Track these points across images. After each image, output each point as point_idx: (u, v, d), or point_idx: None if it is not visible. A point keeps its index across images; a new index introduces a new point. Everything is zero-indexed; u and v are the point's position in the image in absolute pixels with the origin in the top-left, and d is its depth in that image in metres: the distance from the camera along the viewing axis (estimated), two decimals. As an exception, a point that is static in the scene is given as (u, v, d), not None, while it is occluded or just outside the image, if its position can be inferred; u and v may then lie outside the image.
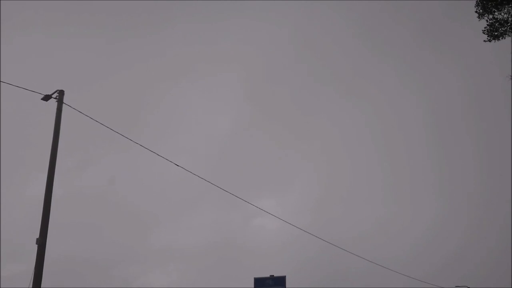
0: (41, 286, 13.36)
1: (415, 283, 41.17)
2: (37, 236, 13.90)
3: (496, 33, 20.36)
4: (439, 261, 52.93)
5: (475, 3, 20.60)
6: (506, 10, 19.98)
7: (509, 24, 19.98)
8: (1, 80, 15.04)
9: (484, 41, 20.80)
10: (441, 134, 76.32)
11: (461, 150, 72.67)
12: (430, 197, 67.17)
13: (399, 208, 66.05)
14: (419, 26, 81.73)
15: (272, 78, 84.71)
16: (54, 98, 15.71)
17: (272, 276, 25.46)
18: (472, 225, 58.45)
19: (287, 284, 24.87)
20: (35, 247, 13.77)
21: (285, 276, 25.13)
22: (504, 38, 20.27)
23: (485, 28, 20.62)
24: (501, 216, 55.56)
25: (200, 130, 78.40)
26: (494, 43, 20.56)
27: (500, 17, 20.15)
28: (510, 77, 20.29)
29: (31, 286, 13.27)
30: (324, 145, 79.67)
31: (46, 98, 15.58)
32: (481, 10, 20.48)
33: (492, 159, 68.44)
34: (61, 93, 15.85)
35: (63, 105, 15.73)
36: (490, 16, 20.31)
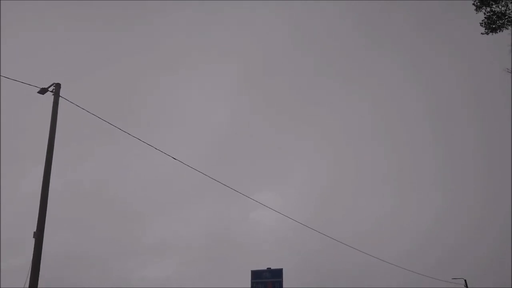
0: (39, 280, 13.36)
1: (415, 277, 41.46)
2: (34, 229, 13.86)
3: (493, 26, 20.31)
4: (441, 256, 53.20)
5: (472, -4, 20.54)
6: (503, 2, 19.92)
7: (506, 16, 19.93)
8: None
9: (482, 33, 20.76)
10: (442, 127, 76.49)
11: (461, 143, 72.84)
12: (432, 193, 67.34)
13: (400, 203, 66.24)
14: (418, 19, 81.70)
15: (270, 69, 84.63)
16: (51, 91, 15.60)
17: (269, 268, 25.54)
18: (472, 224, 58.65)
19: (284, 277, 24.95)
20: (33, 241, 13.74)
21: (282, 268, 25.21)
22: (502, 31, 20.24)
23: (482, 21, 20.57)
24: (501, 211, 55.81)
25: (197, 122, 78.36)
26: (493, 36, 20.53)
27: (498, 10, 20.10)
28: (507, 70, 20.29)
29: (28, 279, 13.26)
30: (325, 137, 79.79)
31: (43, 91, 15.47)
32: (478, 3, 20.43)
33: (492, 153, 68.64)
34: (57, 86, 15.75)
35: (60, 98, 15.65)
36: (488, 9, 20.26)
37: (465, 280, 46.30)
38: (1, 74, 15.07)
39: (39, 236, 13.71)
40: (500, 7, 20.05)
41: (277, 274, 25.09)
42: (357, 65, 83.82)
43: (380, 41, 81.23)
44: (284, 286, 24.82)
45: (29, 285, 13.09)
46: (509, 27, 20.07)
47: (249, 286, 25.55)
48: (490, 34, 20.46)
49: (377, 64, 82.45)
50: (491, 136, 71.82)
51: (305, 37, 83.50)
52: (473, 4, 20.44)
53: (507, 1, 19.79)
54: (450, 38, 78.25)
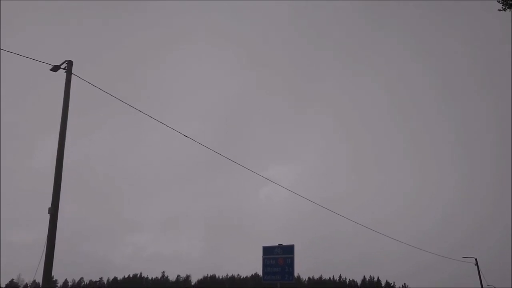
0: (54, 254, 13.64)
1: (430, 257, 42.07)
2: (48, 204, 14.06)
3: (511, 2, 19.75)
4: (459, 237, 53.71)
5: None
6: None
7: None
8: (12, 51, 15.03)
9: (499, 10, 20.21)
10: (455, 106, 75.71)
11: (476, 123, 72.13)
12: (449, 172, 67.04)
13: (418, 183, 66.31)
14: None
15: (276, 47, 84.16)
16: (63, 68, 15.67)
17: (280, 245, 25.75)
18: (488, 206, 58.73)
19: (296, 254, 25.16)
20: (46, 215, 13.94)
21: (293, 245, 25.40)
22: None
23: (500, -4, 20.00)
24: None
25: (207, 98, 78.59)
26: (498, 13, 19.94)
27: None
28: None
29: (44, 254, 13.54)
30: (336, 115, 79.65)
31: (55, 68, 15.54)
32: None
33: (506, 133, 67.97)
34: (69, 63, 15.79)
35: (72, 75, 15.71)
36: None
37: (475, 259, 46.50)
38: (15, 52, 15.15)
39: (54, 212, 13.94)
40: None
41: (288, 250, 25.30)
42: (354, 39, 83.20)
43: (384, 21, 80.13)
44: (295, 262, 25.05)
45: (45, 261, 13.40)
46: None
47: (261, 261, 25.85)
48: (508, 10, 19.91)
49: (375, 37, 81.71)
50: (507, 113, 71.06)
51: (309, 19, 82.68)
52: (491, -22, 19.86)
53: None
54: (456, 12, 76.93)
